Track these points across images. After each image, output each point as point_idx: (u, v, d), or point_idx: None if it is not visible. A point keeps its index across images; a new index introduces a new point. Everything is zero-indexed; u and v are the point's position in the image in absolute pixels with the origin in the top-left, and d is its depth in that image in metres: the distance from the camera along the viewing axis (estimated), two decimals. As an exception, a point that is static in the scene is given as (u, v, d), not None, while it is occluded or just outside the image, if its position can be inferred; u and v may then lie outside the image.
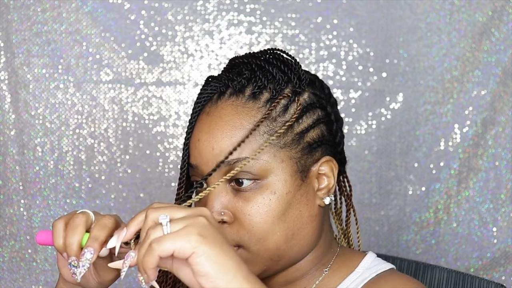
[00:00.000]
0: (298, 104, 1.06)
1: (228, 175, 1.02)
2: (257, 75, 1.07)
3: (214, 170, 1.02)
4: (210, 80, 1.11)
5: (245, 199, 1.03)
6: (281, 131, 1.04)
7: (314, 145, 1.07)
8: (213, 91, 1.08)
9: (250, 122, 1.04)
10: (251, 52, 1.13)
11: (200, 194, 1.02)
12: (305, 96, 1.08)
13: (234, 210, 1.04)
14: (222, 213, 1.04)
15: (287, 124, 1.04)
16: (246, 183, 1.03)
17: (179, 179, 1.11)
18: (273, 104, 1.05)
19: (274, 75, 1.07)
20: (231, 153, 1.02)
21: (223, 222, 1.04)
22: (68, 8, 1.90)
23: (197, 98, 1.09)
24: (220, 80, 1.08)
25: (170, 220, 0.86)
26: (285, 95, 1.06)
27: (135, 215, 0.91)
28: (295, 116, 1.05)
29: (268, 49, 1.12)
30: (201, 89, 1.10)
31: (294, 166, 1.05)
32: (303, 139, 1.06)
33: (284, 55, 1.11)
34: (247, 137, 1.02)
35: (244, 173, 1.03)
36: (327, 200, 1.08)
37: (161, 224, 0.86)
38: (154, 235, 0.85)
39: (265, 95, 1.06)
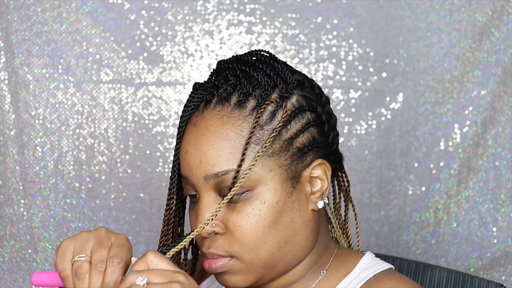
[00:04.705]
0: (284, 111, 1.04)
1: (223, 201, 1.01)
2: (242, 82, 1.04)
3: (223, 204, 1.01)
4: (197, 87, 1.09)
5: (236, 210, 1.02)
6: (268, 143, 1.02)
7: (305, 149, 1.05)
8: (199, 99, 1.06)
9: (237, 132, 1.03)
10: (237, 55, 1.11)
11: (194, 231, 1.01)
12: (293, 100, 1.06)
13: (225, 221, 1.03)
14: (214, 225, 1.03)
15: (273, 135, 1.02)
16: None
17: (169, 189, 1.10)
18: (259, 112, 1.03)
19: (260, 81, 1.05)
20: (235, 177, 1.01)
21: (215, 233, 1.03)
22: (68, 8, 1.90)
23: (184, 107, 1.07)
24: (206, 88, 1.06)
25: (148, 283, 0.87)
26: (271, 101, 1.04)
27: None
28: (280, 124, 1.03)
29: (254, 51, 1.10)
30: (188, 97, 1.08)
31: (284, 174, 1.03)
32: (292, 145, 1.04)
33: (271, 57, 1.09)
34: (242, 160, 1.01)
35: (232, 185, 1.01)
36: (320, 204, 1.07)
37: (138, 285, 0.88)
38: None
39: (251, 103, 1.04)
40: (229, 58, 1.11)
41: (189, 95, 1.09)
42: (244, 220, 1.02)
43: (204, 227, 1.01)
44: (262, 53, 1.10)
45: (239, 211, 1.02)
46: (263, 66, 1.07)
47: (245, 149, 1.01)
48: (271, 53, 1.10)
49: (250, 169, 1.01)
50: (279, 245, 1.04)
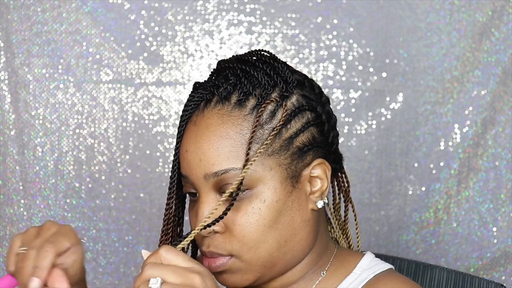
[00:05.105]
0: (284, 110, 1.04)
1: (223, 195, 1.01)
2: (242, 81, 1.05)
3: (227, 210, 1.01)
4: (197, 86, 1.09)
5: (235, 209, 1.02)
6: (268, 141, 1.02)
7: (305, 149, 1.05)
8: (200, 99, 1.06)
9: (237, 131, 1.03)
10: (237, 54, 1.11)
11: (190, 235, 1.01)
12: (293, 100, 1.06)
13: (224, 220, 1.02)
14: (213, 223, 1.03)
15: (273, 133, 1.02)
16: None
17: (169, 189, 1.10)
18: (260, 111, 1.03)
19: (260, 80, 1.05)
20: (240, 183, 1.01)
21: (214, 232, 1.03)
22: (68, 8, 1.90)
23: (185, 106, 1.07)
24: (206, 87, 1.06)
25: (163, 282, 0.88)
26: (271, 100, 1.04)
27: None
28: (280, 123, 1.03)
29: (254, 50, 1.10)
30: (189, 96, 1.09)
31: (284, 173, 1.03)
32: (292, 144, 1.04)
33: (271, 56, 1.09)
34: (247, 160, 1.01)
35: (232, 185, 1.01)
36: (320, 204, 1.06)
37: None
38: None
39: (251, 102, 1.04)
40: (230, 58, 1.11)
41: (190, 94, 1.09)
42: (244, 218, 1.02)
43: (203, 225, 1.01)
44: (262, 52, 1.10)
45: (238, 209, 1.02)
46: (263, 65, 1.07)
47: (249, 148, 1.01)
48: (271, 53, 1.10)
49: (249, 167, 1.01)
50: (278, 244, 1.04)
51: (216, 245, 1.03)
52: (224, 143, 1.03)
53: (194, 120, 1.06)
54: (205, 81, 1.09)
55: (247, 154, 1.01)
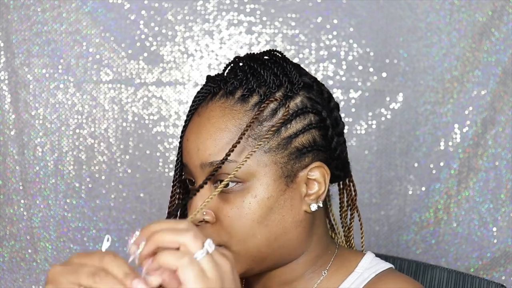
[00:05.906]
0: (286, 109, 1.05)
1: (217, 190, 1.02)
2: (249, 78, 1.07)
3: (204, 183, 1.00)
4: (208, 79, 1.12)
5: (227, 201, 1.04)
6: (267, 136, 1.04)
7: (304, 150, 1.06)
8: (208, 91, 1.09)
9: (236, 125, 1.05)
10: (251, 53, 1.14)
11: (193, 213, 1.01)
12: (297, 101, 1.08)
13: (216, 211, 1.05)
14: (204, 213, 1.05)
15: (272, 129, 1.04)
16: (229, 184, 1.04)
17: (174, 176, 1.13)
18: (261, 108, 1.04)
19: (266, 78, 1.07)
20: (221, 164, 1.02)
21: (205, 222, 1.05)
22: (68, 8, 1.90)
23: (194, 97, 1.10)
24: (215, 80, 1.09)
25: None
26: (274, 99, 1.06)
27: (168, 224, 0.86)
28: (279, 122, 1.05)
29: (269, 50, 1.12)
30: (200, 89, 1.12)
31: (279, 171, 1.05)
32: (291, 144, 1.06)
33: (282, 57, 1.11)
34: (235, 146, 1.02)
35: (226, 175, 1.03)
36: (313, 207, 1.07)
37: (202, 247, 0.83)
38: (192, 247, 0.82)
39: (254, 99, 1.06)
40: (244, 55, 1.13)
41: (201, 86, 1.12)
42: (234, 211, 1.04)
43: (195, 214, 1.03)
44: (275, 53, 1.12)
45: (230, 202, 1.04)
46: (272, 65, 1.09)
47: (240, 137, 1.03)
48: (283, 54, 1.12)
49: (245, 160, 1.02)
50: (268, 240, 1.05)
51: (205, 235, 1.04)
52: (222, 135, 1.04)
53: (199, 111, 1.09)
54: (216, 74, 1.12)
55: (236, 144, 1.02)
